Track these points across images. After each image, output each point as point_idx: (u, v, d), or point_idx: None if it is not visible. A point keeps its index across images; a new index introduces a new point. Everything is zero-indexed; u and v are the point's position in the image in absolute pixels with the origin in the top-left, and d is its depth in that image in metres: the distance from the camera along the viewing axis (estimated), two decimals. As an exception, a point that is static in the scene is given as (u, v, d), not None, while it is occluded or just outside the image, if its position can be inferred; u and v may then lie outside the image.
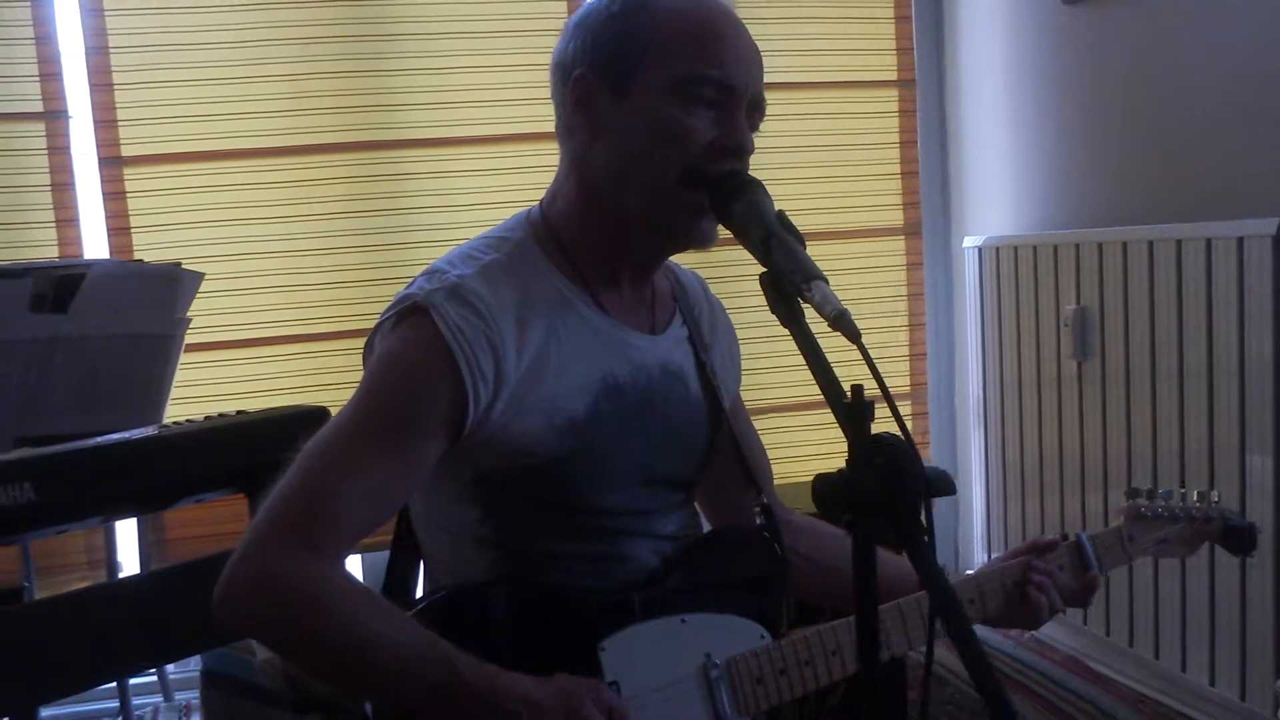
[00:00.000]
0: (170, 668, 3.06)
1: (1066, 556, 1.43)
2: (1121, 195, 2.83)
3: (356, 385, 1.22)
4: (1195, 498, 1.50)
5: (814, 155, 3.40)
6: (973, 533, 3.44)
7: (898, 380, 3.55)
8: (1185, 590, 2.55)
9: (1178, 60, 2.62)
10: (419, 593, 1.33)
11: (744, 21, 1.26)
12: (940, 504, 3.65)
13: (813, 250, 1.08)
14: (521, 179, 3.19)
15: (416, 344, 1.17)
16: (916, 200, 3.53)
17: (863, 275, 3.46)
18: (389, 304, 1.23)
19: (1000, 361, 3.18)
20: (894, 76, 3.48)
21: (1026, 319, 3.04)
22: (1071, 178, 3.03)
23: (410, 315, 1.19)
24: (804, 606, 1.37)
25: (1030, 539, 1.45)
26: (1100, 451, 2.79)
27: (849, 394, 0.92)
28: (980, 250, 3.24)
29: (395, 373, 1.18)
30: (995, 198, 3.35)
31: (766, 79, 1.26)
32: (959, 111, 3.51)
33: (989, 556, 3.30)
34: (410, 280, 1.24)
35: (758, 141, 1.25)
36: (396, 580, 1.31)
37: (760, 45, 1.26)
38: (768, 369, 3.12)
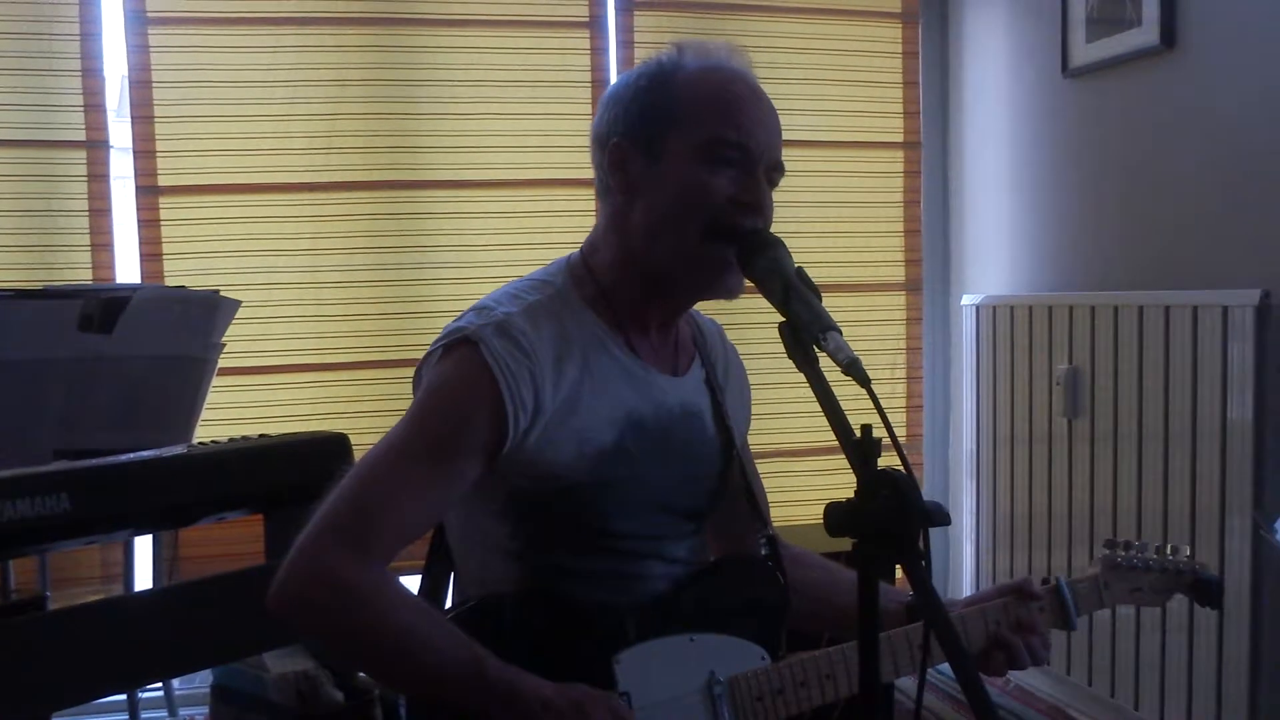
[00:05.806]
0: (176, 684, 3.12)
1: (1046, 599, 1.50)
2: (1114, 261, 2.94)
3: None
4: (1169, 551, 1.58)
5: (822, 211, 3.50)
6: (962, 580, 3.51)
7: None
8: (1165, 644, 2.63)
9: (1170, 135, 2.74)
10: (448, 604, 1.43)
11: (760, 81, 1.37)
12: (930, 552, 3.73)
13: (814, 302, 1.20)
14: (534, 222, 3.30)
15: (464, 372, 1.28)
16: (918, 258, 3.64)
17: (864, 328, 3.55)
18: (438, 335, 1.34)
19: (994, 416, 3.27)
20: (900, 139, 3.61)
21: (1020, 376, 3.14)
22: (1066, 243, 3.14)
23: (459, 346, 1.29)
24: (794, 632, 1.45)
25: (1015, 580, 1.51)
26: (1087, 506, 2.88)
27: (858, 433, 1.03)
28: (978, 308, 3.34)
29: (443, 397, 1.29)
30: (993, 258, 3.46)
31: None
32: (961, 174, 3.62)
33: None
34: (460, 314, 1.35)
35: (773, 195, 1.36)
36: (429, 591, 1.41)
37: (775, 105, 1.38)
38: (777, 414, 3.20)
